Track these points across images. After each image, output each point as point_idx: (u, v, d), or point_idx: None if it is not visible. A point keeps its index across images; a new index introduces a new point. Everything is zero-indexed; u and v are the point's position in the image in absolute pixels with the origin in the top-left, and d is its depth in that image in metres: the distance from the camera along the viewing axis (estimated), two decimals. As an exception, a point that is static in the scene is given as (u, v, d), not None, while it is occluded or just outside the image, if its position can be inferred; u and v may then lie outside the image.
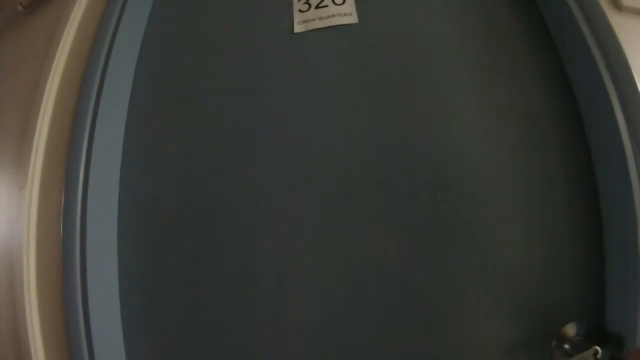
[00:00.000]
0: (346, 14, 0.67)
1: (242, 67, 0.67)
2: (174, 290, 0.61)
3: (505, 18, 0.67)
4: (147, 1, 0.72)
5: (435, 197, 0.60)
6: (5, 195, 0.66)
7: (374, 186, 0.61)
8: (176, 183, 0.64)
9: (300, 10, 0.68)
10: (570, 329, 0.56)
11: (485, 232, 0.59)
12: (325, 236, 0.60)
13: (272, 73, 0.66)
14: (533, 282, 0.58)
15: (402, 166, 0.61)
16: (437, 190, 0.60)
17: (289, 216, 0.61)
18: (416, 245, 0.59)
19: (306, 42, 0.67)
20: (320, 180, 0.61)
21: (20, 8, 0.74)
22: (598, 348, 0.50)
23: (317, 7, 0.68)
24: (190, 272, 0.61)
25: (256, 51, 0.67)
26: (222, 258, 0.61)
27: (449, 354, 0.56)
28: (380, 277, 0.58)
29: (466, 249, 0.59)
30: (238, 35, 0.69)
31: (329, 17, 0.67)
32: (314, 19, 0.67)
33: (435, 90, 0.64)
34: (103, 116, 0.62)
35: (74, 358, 0.54)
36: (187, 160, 0.65)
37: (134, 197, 0.65)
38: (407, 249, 0.59)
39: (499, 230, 0.59)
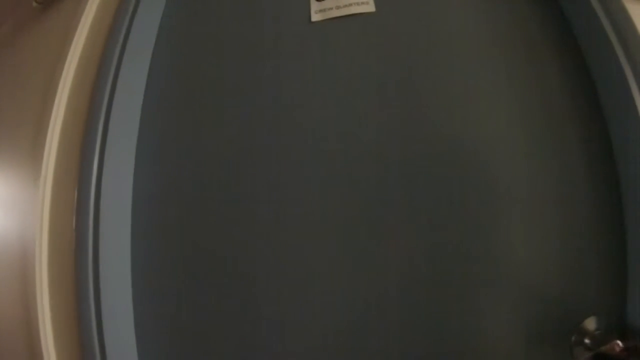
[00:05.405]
0: (363, 3, 0.66)
1: (260, 56, 0.66)
2: (187, 288, 0.61)
3: (524, 9, 0.66)
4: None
5: (455, 192, 0.59)
6: (19, 188, 0.66)
7: (393, 177, 0.60)
8: (190, 178, 0.64)
9: (317, -1, 0.68)
10: (591, 323, 0.55)
11: (507, 227, 0.59)
12: (341, 229, 0.60)
13: (290, 62, 0.65)
14: (553, 276, 0.58)
15: (420, 158, 0.61)
16: (458, 185, 0.60)
17: (304, 213, 0.61)
18: (436, 241, 0.59)
19: (323, 31, 0.66)
20: (337, 170, 0.61)
21: (35, 4, 0.75)
22: (620, 342, 0.49)
23: (334, -5, 0.67)
24: (203, 269, 0.61)
25: (274, 40, 0.67)
26: (237, 256, 0.60)
27: (469, 349, 0.56)
28: (397, 274, 0.58)
29: (488, 244, 0.58)
30: (255, 24, 0.68)
31: (346, 5, 0.66)
32: (331, 8, 0.66)
33: (453, 82, 0.63)
34: (117, 111, 0.62)
35: (86, 353, 0.54)
36: (202, 156, 0.64)
37: (147, 192, 0.64)
38: (426, 245, 0.59)
39: (521, 225, 0.59)
